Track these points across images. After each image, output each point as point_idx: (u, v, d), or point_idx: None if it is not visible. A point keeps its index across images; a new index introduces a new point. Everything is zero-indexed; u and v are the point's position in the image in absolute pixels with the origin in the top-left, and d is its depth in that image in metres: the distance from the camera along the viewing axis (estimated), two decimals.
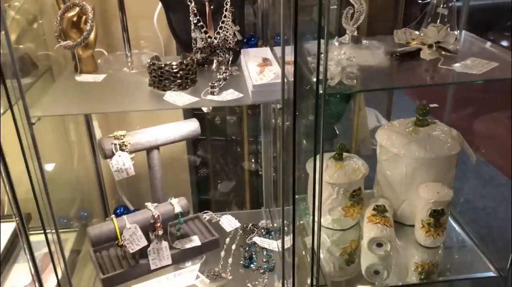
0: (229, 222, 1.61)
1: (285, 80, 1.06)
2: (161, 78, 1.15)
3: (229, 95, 1.14)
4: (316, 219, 1.18)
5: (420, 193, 1.34)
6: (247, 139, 1.76)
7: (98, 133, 1.50)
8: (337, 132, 1.91)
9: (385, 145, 1.42)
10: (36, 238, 1.41)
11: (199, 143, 1.81)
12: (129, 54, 1.36)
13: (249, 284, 1.36)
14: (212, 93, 1.14)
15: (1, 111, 1.02)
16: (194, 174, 1.79)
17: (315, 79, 1.01)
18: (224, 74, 1.20)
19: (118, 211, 1.62)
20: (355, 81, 1.12)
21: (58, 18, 1.23)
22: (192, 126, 1.42)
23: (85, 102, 1.16)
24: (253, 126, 1.73)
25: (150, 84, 1.18)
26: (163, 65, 1.15)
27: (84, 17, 1.25)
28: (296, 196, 1.16)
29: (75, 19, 1.23)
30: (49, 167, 1.37)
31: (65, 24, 1.23)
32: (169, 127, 1.40)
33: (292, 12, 0.93)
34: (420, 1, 1.44)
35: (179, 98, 1.12)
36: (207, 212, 1.65)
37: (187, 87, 1.17)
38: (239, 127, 1.78)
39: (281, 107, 1.08)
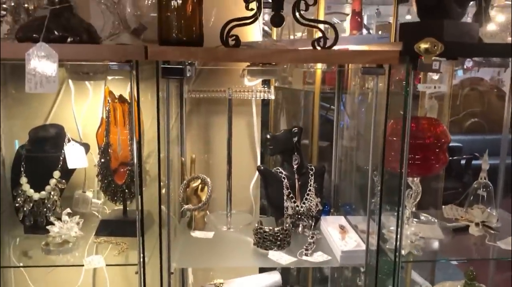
0: None
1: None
2: (264, 240, 1.46)
3: (320, 257, 1.43)
4: None
5: None
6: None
7: (190, 277, 1.76)
8: None
9: None
10: None
11: None
12: (229, 214, 1.69)
13: None
14: (306, 255, 1.43)
15: (146, 261, 1.32)
16: None
17: (387, 247, 1.31)
18: (313, 238, 1.50)
19: None
20: (421, 252, 1.41)
21: (183, 186, 1.60)
22: (275, 277, 1.68)
23: (209, 255, 1.45)
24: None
25: (255, 244, 1.48)
26: (267, 230, 1.46)
27: (201, 186, 1.61)
28: None
29: (198, 187, 1.59)
30: None
31: (189, 191, 1.59)
32: (258, 278, 1.66)
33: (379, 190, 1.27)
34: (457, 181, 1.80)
35: (281, 257, 1.42)
36: None
37: (284, 247, 1.47)
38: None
39: (364, 271, 1.36)
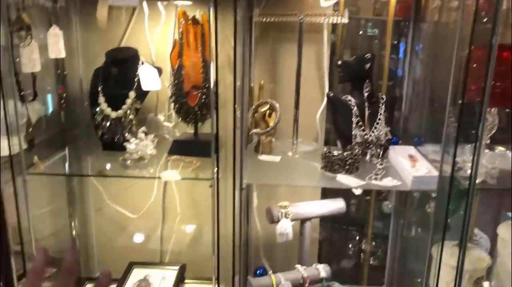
0: None
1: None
2: (333, 164, 1.47)
3: (389, 181, 1.42)
4: None
5: None
6: (372, 221, 2.01)
7: (255, 200, 1.81)
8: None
9: (507, 239, 1.61)
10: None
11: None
12: (295, 142, 1.70)
13: None
14: (375, 179, 1.43)
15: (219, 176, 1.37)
16: (322, 246, 2.03)
17: (459, 175, 1.28)
18: (382, 165, 1.49)
19: (258, 271, 1.88)
20: (495, 180, 1.37)
21: (251, 111, 1.61)
22: (340, 204, 1.70)
23: (276, 176, 1.48)
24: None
25: (322, 168, 1.50)
26: (336, 154, 1.46)
27: (269, 112, 1.62)
28: (418, 279, 1.37)
29: (266, 112, 1.61)
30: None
31: (258, 116, 1.61)
32: (322, 203, 1.69)
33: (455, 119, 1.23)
34: None
35: (349, 180, 1.42)
36: (334, 283, 1.86)
37: (352, 172, 1.47)
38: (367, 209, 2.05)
39: (436, 196, 1.35)
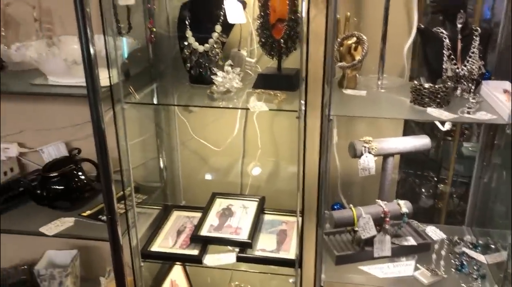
0: (434, 232, 1.81)
1: None
2: (423, 97, 1.43)
3: (483, 115, 1.37)
4: None
5: None
6: (453, 162, 1.97)
7: (335, 136, 1.82)
8: None
9: None
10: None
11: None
12: (381, 77, 1.66)
13: (463, 285, 1.55)
14: (468, 113, 1.38)
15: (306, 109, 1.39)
16: (401, 184, 2.02)
17: None
18: (475, 99, 1.43)
19: (335, 206, 1.92)
20: None
21: (337, 44, 1.59)
22: (425, 140, 1.67)
23: (363, 109, 1.48)
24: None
25: (412, 101, 1.46)
26: (427, 86, 1.42)
27: (355, 45, 1.59)
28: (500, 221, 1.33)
29: (352, 46, 1.58)
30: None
31: (344, 49, 1.58)
32: (407, 140, 1.67)
33: None
34: None
35: (440, 113, 1.39)
36: (413, 221, 1.86)
37: (443, 106, 1.43)
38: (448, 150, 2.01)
39: None
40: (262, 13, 1.58)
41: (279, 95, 1.56)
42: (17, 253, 2.22)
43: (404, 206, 1.64)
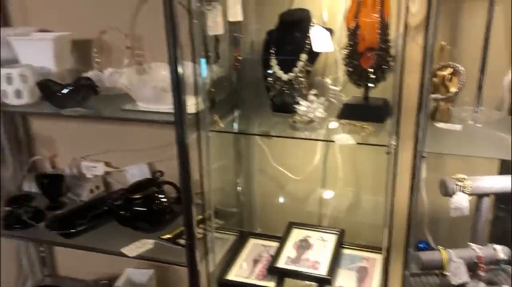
0: None
1: None
2: None
3: None
4: None
5: None
6: None
7: (424, 172, 1.71)
8: None
9: None
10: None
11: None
12: (477, 110, 1.55)
13: None
14: None
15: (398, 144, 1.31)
16: (494, 225, 1.86)
17: None
18: None
19: (420, 244, 1.80)
20: None
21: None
22: None
23: (457, 145, 1.37)
24: None
25: None
26: None
27: (449, 76, 1.49)
28: None
29: (446, 76, 1.48)
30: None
31: (438, 80, 1.49)
32: (505, 179, 1.53)
33: None
34: None
35: None
36: (509, 267, 1.69)
37: None
38: None
39: None
40: (350, 42, 1.53)
41: (365, 126, 1.50)
42: (98, 267, 2.31)
43: (501, 251, 1.49)
